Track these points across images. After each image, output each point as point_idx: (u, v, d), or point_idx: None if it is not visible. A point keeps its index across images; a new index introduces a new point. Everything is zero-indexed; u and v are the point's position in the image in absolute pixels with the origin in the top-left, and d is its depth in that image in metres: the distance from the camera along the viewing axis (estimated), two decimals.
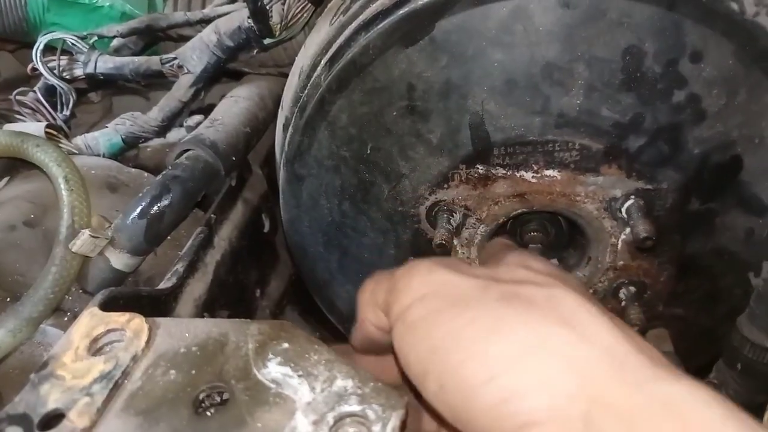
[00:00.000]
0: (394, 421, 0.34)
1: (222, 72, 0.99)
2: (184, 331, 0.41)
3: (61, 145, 0.81)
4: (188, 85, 0.93)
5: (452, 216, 0.67)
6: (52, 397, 0.37)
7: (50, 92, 0.98)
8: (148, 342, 0.40)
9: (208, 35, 0.92)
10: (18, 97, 0.95)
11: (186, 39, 0.98)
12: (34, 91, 0.97)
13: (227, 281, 0.78)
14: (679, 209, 0.64)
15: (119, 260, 0.68)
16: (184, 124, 0.98)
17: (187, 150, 0.79)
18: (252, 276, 0.87)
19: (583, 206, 0.65)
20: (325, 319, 0.83)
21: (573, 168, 0.62)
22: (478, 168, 0.64)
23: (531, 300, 0.36)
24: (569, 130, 0.60)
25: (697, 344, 0.75)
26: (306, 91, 0.69)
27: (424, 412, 0.46)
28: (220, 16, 0.96)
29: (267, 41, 0.91)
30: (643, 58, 0.56)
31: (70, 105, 0.98)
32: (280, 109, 0.80)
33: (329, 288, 0.78)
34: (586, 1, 0.55)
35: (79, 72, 0.99)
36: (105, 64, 0.99)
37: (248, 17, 0.88)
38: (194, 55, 0.93)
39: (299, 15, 0.90)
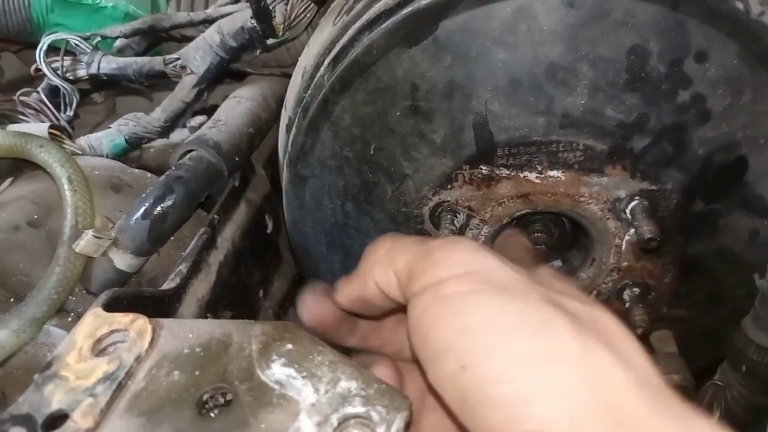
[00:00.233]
0: (399, 422, 0.33)
1: (225, 72, 0.99)
2: (187, 331, 0.41)
3: (64, 145, 0.81)
4: (191, 85, 0.93)
5: (456, 217, 0.67)
6: (55, 398, 0.36)
7: (53, 93, 0.98)
8: (151, 343, 0.39)
9: (211, 36, 0.92)
10: (21, 98, 0.95)
11: (189, 39, 0.98)
12: (38, 92, 0.97)
13: (230, 282, 0.78)
14: (684, 210, 0.64)
15: (122, 261, 0.68)
16: (188, 124, 0.97)
17: (191, 150, 0.79)
18: (255, 276, 0.87)
19: (587, 207, 0.64)
20: None
21: (577, 168, 0.62)
22: (481, 168, 0.63)
23: (576, 313, 0.34)
24: (573, 130, 0.60)
25: (701, 345, 0.75)
26: (309, 92, 0.69)
27: (408, 381, 0.45)
28: (223, 16, 0.96)
29: (270, 41, 0.91)
30: (647, 58, 0.56)
31: (74, 106, 0.98)
32: (283, 110, 0.80)
33: None
34: (590, 1, 0.55)
35: (82, 72, 0.99)
36: (108, 64, 0.99)
37: (251, 17, 0.88)
38: (197, 56, 0.93)
39: (302, 15, 0.90)
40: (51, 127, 0.82)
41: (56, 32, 0.98)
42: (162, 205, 0.70)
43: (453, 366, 0.33)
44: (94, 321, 0.41)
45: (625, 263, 0.69)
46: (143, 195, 0.70)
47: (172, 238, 0.74)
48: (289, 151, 0.71)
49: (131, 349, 0.39)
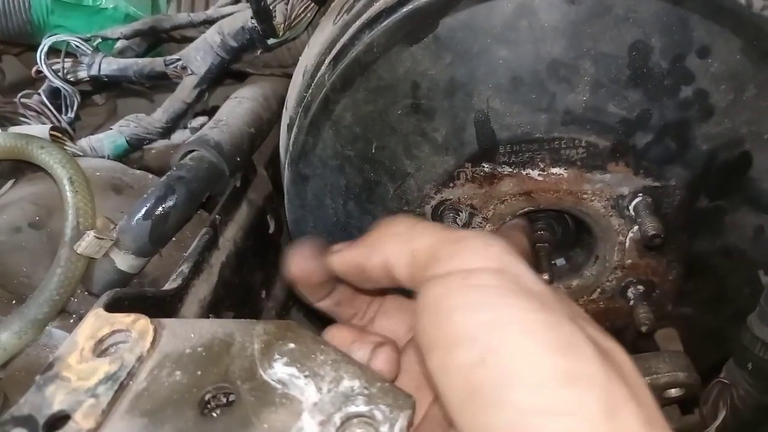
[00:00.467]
0: (402, 421, 0.33)
1: (226, 73, 0.99)
2: (189, 331, 0.40)
3: (65, 147, 0.81)
4: (192, 86, 0.93)
5: (458, 215, 0.66)
6: (57, 399, 0.36)
7: (55, 95, 0.98)
8: (153, 343, 0.39)
9: (211, 36, 0.92)
10: (23, 100, 0.95)
11: (190, 40, 0.97)
12: (39, 94, 0.97)
13: (232, 282, 0.78)
14: (687, 207, 0.63)
15: (124, 261, 0.67)
16: (189, 125, 0.97)
17: (192, 151, 0.79)
18: (257, 277, 0.87)
19: (590, 204, 0.64)
20: (331, 320, 0.83)
21: (580, 166, 0.62)
22: (483, 166, 0.63)
23: (594, 339, 0.34)
24: (576, 127, 0.60)
25: (706, 343, 0.75)
26: (310, 91, 0.68)
27: None
28: (223, 16, 0.96)
29: (271, 41, 0.91)
30: (649, 54, 0.56)
31: (75, 107, 0.98)
32: (284, 110, 0.80)
33: None
34: None
35: (83, 74, 0.99)
36: (109, 66, 0.99)
37: (252, 17, 0.88)
38: (198, 56, 0.92)
39: (303, 14, 0.90)
40: (52, 128, 0.82)
41: (57, 34, 0.98)
42: (163, 206, 0.69)
43: (472, 357, 0.32)
44: (96, 321, 0.41)
45: (629, 261, 0.68)
46: (144, 195, 0.70)
47: (173, 238, 0.74)
48: (291, 151, 0.71)
49: (133, 349, 0.39)
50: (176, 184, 0.72)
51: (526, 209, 0.66)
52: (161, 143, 0.95)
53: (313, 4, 0.90)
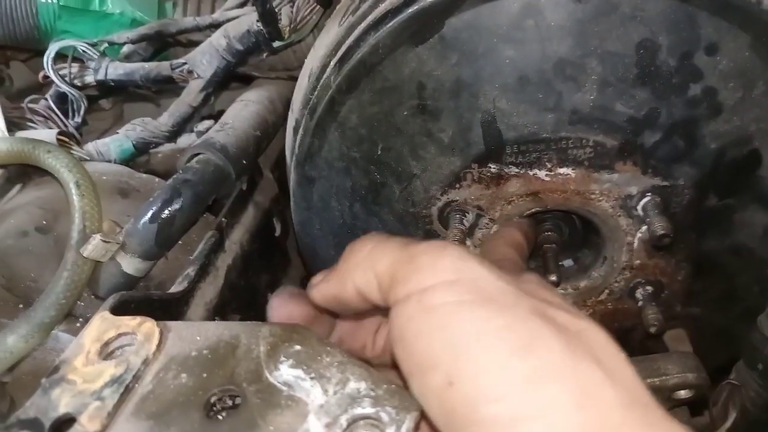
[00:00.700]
0: (408, 423, 0.33)
1: (232, 76, 0.99)
2: (195, 334, 0.40)
3: (72, 151, 0.82)
4: (198, 89, 0.93)
5: (465, 216, 0.66)
6: (63, 402, 0.36)
7: (62, 99, 0.98)
8: (159, 346, 0.39)
9: (217, 39, 0.92)
10: (30, 105, 0.96)
11: (196, 44, 0.98)
12: (46, 99, 0.97)
13: (238, 285, 0.78)
14: (696, 206, 0.63)
15: (130, 265, 0.68)
16: (195, 129, 0.97)
17: (198, 154, 0.79)
18: (263, 280, 0.87)
19: (598, 204, 0.64)
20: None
21: (587, 165, 0.61)
22: (490, 167, 0.63)
23: (564, 325, 0.33)
24: (583, 126, 0.59)
25: (715, 344, 0.74)
26: (316, 93, 0.68)
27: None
28: (229, 20, 0.96)
29: (276, 44, 0.91)
30: (657, 52, 0.55)
31: (82, 112, 0.98)
32: (290, 112, 0.80)
33: None
34: None
35: (90, 79, 1.00)
36: (116, 70, 0.99)
37: (257, 21, 0.88)
38: (204, 60, 0.93)
39: (308, 17, 0.90)
40: (59, 133, 0.83)
41: (64, 39, 0.99)
42: (169, 209, 0.69)
43: (439, 381, 0.32)
44: (102, 324, 0.40)
45: (638, 261, 0.68)
46: (151, 199, 0.70)
47: (179, 241, 0.74)
48: (297, 153, 0.71)
49: (139, 352, 0.39)
50: (182, 187, 0.72)
51: (533, 210, 0.66)
52: (167, 147, 0.95)
53: (318, 6, 0.90)
